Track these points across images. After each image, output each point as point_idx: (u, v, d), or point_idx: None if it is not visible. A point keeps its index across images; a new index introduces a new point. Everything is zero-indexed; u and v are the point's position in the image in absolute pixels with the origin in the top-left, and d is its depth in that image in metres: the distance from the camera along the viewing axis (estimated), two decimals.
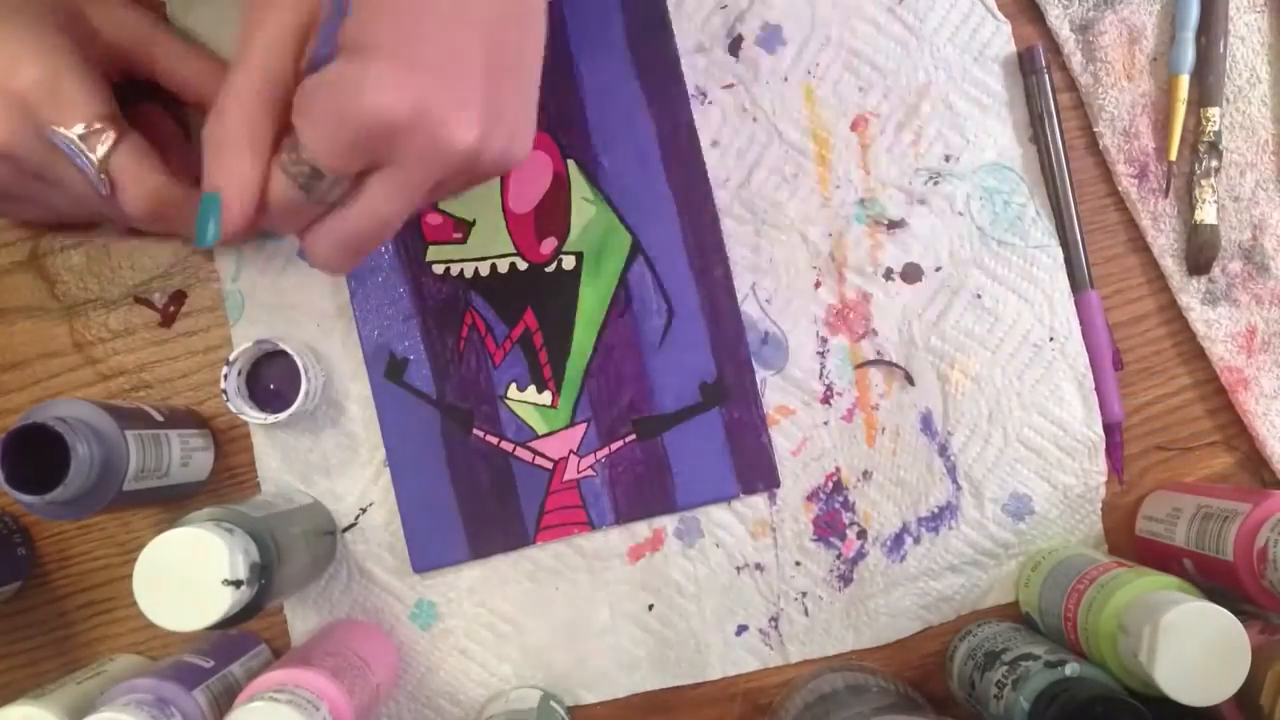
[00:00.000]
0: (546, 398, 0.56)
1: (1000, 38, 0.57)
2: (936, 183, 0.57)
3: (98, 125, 0.46)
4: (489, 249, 0.56)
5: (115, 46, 0.51)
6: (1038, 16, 0.58)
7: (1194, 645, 0.43)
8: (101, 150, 0.46)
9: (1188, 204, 0.57)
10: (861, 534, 0.56)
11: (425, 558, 0.55)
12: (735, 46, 0.57)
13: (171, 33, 0.53)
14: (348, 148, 0.38)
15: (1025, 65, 0.57)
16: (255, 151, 0.39)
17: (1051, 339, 0.56)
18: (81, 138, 0.46)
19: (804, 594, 0.56)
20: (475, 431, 0.55)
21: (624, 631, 0.56)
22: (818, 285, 0.57)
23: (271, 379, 0.55)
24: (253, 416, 0.53)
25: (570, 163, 0.56)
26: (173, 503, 0.55)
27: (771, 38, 0.57)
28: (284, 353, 0.53)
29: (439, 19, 0.38)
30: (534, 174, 0.56)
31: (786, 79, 0.57)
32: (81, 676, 0.51)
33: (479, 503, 0.55)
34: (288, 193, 0.39)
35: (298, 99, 0.39)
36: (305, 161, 0.38)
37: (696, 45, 0.57)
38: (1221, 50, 0.56)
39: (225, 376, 0.53)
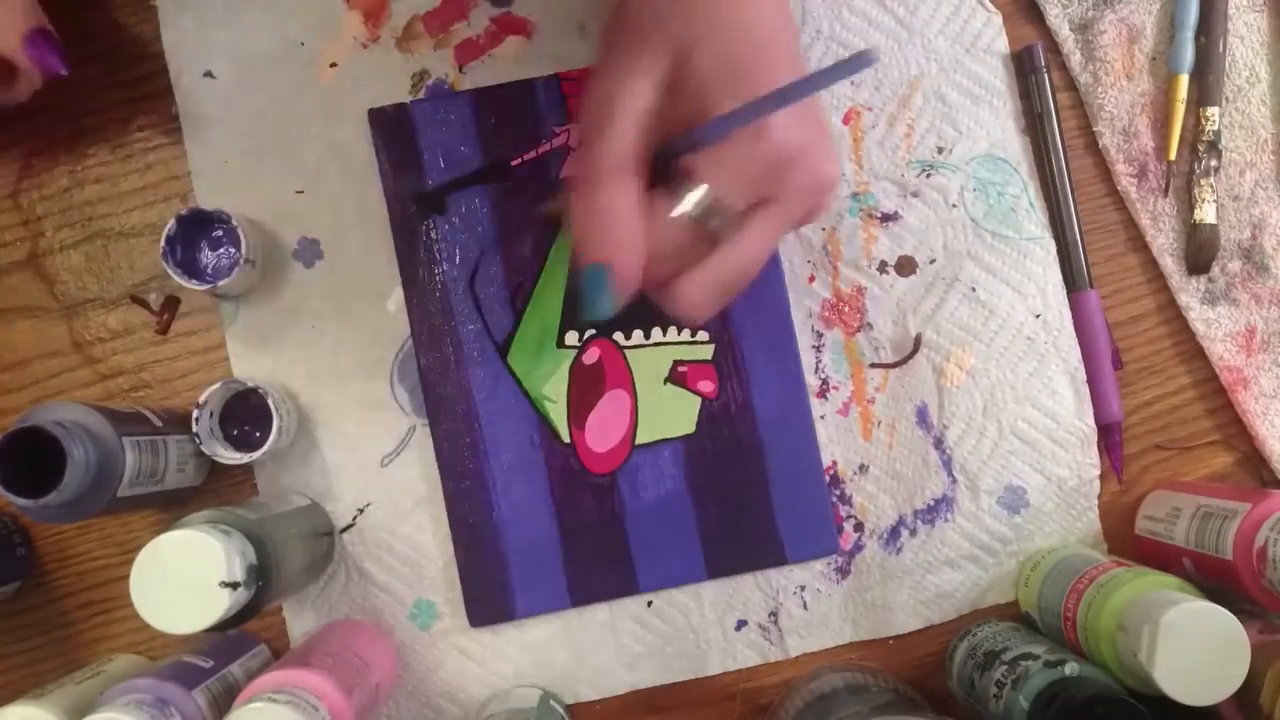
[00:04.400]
0: None
1: (992, 29, 0.57)
2: (929, 175, 0.57)
3: None
4: None
5: None
6: (1037, 16, 0.58)
7: (1194, 645, 0.43)
8: None
9: (1187, 203, 0.57)
10: (859, 527, 0.56)
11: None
12: None
13: None
14: (751, 181, 0.42)
15: (1024, 64, 0.57)
16: (638, 216, 0.42)
17: (1044, 332, 0.56)
18: None
19: (802, 587, 0.56)
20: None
21: (623, 628, 0.56)
22: (811, 280, 0.57)
23: (246, 413, 0.55)
24: (227, 458, 0.53)
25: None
26: (171, 504, 0.55)
27: None
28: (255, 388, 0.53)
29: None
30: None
31: None
32: (81, 676, 0.51)
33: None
34: (682, 237, 0.42)
35: (699, 152, 0.42)
36: (710, 200, 0.42)
37: None
38: (1221, 50, 0.56)
39: (196, 419, 0.52)
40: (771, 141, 0.42)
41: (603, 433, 0.56)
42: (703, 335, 0.56)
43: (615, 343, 0.56)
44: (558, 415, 0.56)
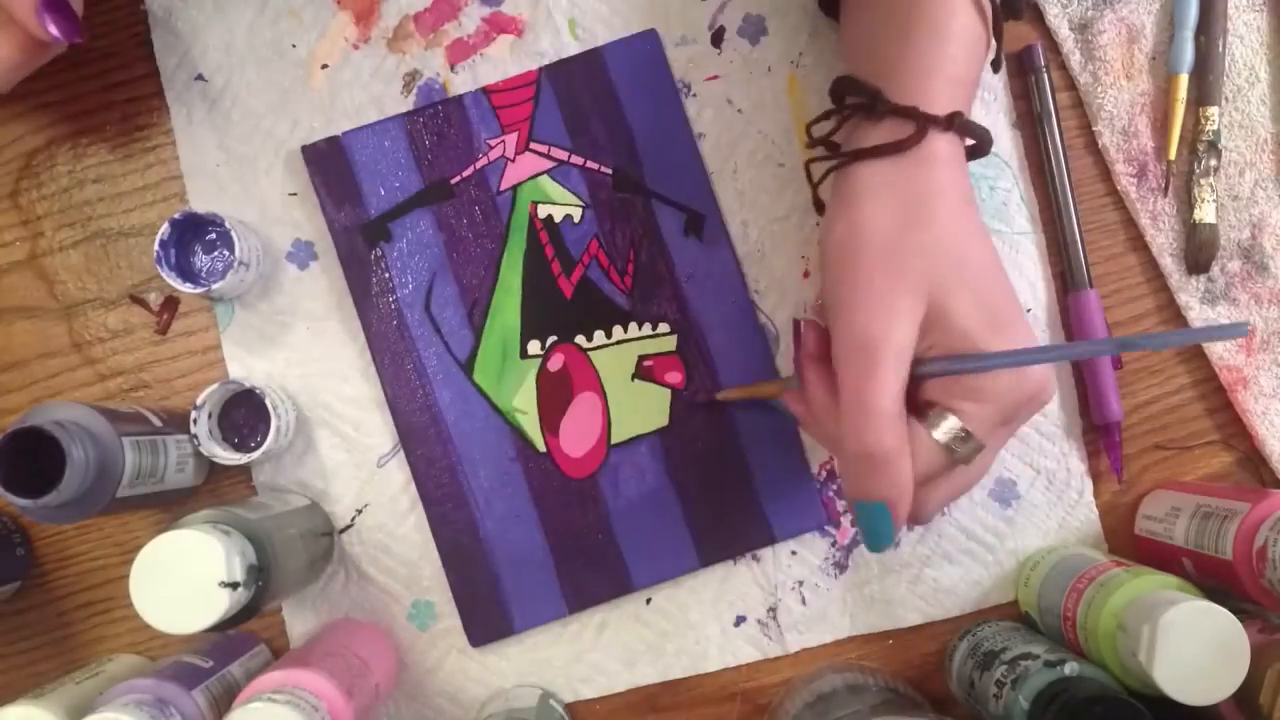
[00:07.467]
0: None
1: None
2: None
3: None
4: None
5: None
6: (1036, 15, 0.57)
7: (1193, 645, 0.43)
8: None
9: (1187, 203, 0.57)
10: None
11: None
12: (718, 38, 0.57)
13: None
14: (1005, 417, 0.45)
15: (1024, 64, 0.57)
16: (909, 457, 0.44)
17: (1035, 326, 0.56)
18: None
19: (800, 583, 0.56)
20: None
21: (622, 626, 0.56)
22: (806, 275, 0.57)
23: (245, 414, 0.55)
24: (225, 458, 0.53)
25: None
26: (171, 504, 0.55)
27: (754, 29, 0.57)
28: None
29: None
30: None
31: (770, 70, 0.57)
32: (81, 676, 0.51)
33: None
34: (935, 463, 0.45)
35: (956, 386, 0.45)
36: (962, 432, 0.45)
37: (680, 38, 0.57)
38: (1220, 49, 0.56)
39: (194, 421, 0.53)
40: (1031, 384, 0.45)
41: (578, 437, 0.56)
42: (664, 327, 0.56)
43: (578, 346, 0.56)
44: (530, 426, 0.56)
